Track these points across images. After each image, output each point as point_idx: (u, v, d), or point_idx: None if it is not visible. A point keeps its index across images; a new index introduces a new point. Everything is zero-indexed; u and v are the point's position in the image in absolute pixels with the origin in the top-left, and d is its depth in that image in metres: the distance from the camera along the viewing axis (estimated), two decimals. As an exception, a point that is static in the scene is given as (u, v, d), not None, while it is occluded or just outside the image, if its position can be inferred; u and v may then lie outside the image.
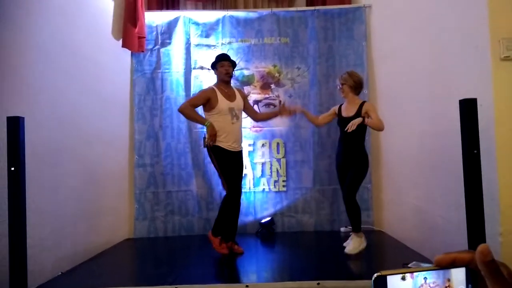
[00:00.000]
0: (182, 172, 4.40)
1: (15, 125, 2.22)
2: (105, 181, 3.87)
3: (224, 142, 3.33)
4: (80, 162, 3.43)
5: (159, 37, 4.49)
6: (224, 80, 3.45)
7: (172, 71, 4.48)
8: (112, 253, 3.70)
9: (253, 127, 4.40)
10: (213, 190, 4.34)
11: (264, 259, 3.58)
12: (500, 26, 2.38)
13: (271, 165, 4.43)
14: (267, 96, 4.50)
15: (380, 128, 3.19)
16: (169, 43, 4.50)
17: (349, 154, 3.28)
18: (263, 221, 4.25)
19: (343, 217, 4.03)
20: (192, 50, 4.48)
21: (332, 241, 3.93)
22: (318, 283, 2.52)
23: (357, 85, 3.30)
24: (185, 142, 4.41)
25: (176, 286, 2.58)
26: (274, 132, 4.45)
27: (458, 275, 0.44)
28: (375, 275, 0.44)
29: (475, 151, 2.20)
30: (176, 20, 4.50)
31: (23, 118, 2.25)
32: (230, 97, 3.43)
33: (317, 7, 4.54)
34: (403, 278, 0.44)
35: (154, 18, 4.50)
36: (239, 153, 3.48)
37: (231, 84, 3.58)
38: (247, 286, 2.57)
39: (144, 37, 4.30)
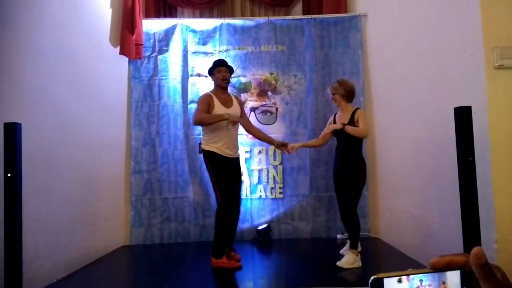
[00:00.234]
0: (179, 178, 4.39)
1: (12, 131, 2.22)
2: (101, 187, 3.86)
3: (219, 148, 3.28)
4: (77, 168, 3.42)
5: (157, 44, 4.52)
6: (221, 86, 3.41)
7: (170, 78, 4.49)
8: (108, 260, 3.68)
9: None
10: (209, 196, 4.33)
11: (261, 266, 3.57)
12: (493, 35, 2.42)
13: (267, 172, 4.43)
14: (263, 103, 4.52)
15: (361, 136, 3.19)
16: (167, 50, 4.52)
17: (346, 162, 3.27)
18: (259, 228, 4.25)
19: (340, 224, 4.02)
20: (189, 57, 4.50)
21: (328, 248, 3.93)
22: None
23: (348, 93, 3.28)
24: (181, 148, 4.41)
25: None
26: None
27: (453, 277, 0.45)
28: (372, 277, 0.45)
29: (470, 158, 2.23)
30: (173, 28, 4.53)
31: (20, 124, 2.25)
32: (227, 103, 3.39)
33: (313, 16, 4.59)
34: (400, 281, 0.45)
35: (152, 26, 4.53)
36: (236, 160, 3.44)
37: (228, 91, 3.58)
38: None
39: (142, 44, 4.32)
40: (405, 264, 2.84)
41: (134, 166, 4.38)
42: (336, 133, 3.32)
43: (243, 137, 4.31)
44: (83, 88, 3.56)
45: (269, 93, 4.54)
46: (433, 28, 3.07)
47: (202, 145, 3.36)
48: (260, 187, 4.42)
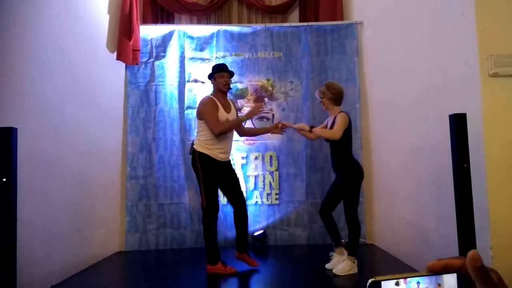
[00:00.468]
0: (175, 184, 4.38)
1: (8, 136, 2.21)
2: (97, 193, 3.84)
3: (212, 151, 3.23)
4: (72, 173, 3.41)
5: (154, 50, 4.53)
6: (222, 90, 3.36)
7: (166, 83, 4.50)
8: (103, 266, 3.65)
9: (246, 140, 4.41)
10: (205, 203, 4.31)
11: (256, 272, 3.55)
12: (488, 43, 2.44)
13: (264, 178, 4.43)
14: (260, 109, 4.52)
15: (329, 138, 3.18)
16: (164, 56, 4.53)
17: (336, 165, 3.26)
18: (255, 234, 4.23)
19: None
20: (186, 63, 4.51)
21: (324, 255, 3.89)
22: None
23: (336, 97, 3.25)
24: (178, 154, 4.41)
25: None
26: (267, 145, 4.47)
27: (450, 280, 0.46)
28: (370, 280, 0.45)
29: (465, 165, 2.24)
30: (170, 34, 4.54)
31: (16, 128, 2.25)
32: (227, 108, 3.36)
33: (310, 23, 4.62)
34: (397, 284, 0.45)
35: (149, 32, 4.54)
36: (227, 163, 3.40)
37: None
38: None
39: (139, 50, 4.33)
40: (400, 270, 2.82)
41: (130, 171, 4.37)
42: None
43: (239, 143, 4.32)
44: (79, 93, 3.55)
45: (266, 99, 4.55)
46: (428, 36, 3.10)
47: (195, 146, 3.28)
48: (256, 193, 4.41)
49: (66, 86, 3.33)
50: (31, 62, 2.90)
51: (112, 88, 4.29)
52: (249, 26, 4.68)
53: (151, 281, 3.11)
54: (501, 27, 2.46)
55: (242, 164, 4.41)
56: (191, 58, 4.54)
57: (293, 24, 4.73)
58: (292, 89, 4.56)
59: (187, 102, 4.46)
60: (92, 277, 3.28)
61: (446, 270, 0.46)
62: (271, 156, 4.44)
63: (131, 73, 4.48)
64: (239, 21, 4.96)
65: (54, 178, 3.12)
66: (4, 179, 2.18)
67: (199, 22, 4.97)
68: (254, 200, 4.40)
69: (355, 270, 3.08)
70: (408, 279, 0.45)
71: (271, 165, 4.45)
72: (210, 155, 3.23)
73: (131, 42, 4.17)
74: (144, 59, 4.48)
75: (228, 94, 3.46)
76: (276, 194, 4.42)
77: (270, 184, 4.43)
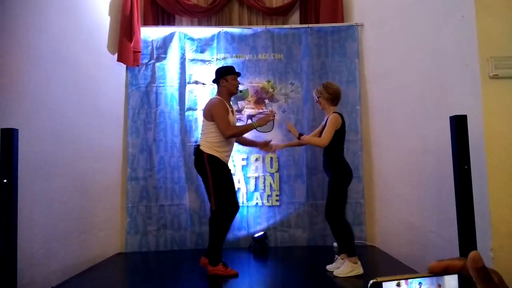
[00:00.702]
0: (175, 186, 4.38)
1: (9, 137, 2.22)
2: (97, 194, 3.84)
3: (221, 154, 3.22)
4: (73, 175, 3.41)
5: (155, 51, 4.53)
6: (233, 93, 3.37)
7: (167, 85, 4.51)
8: (103, 267, 3.65)
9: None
10: (206, 204, 4.30)
11: (257, 273, 3.56)
12: (488, 45, 2.45)
13: (264, 179, 4.43)
14: (260, 111, 4.53)
15: (317, 145, 3.19)
16: (164, 58, 4.54)
17: (326, 165, 3.24)
18: (256, 235, 4.23)
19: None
20: (187, 65, 4.52)
21: (325, 256, 3.91)
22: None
23: (333, 97, 3.23)
24: (178, 156, 4.41)
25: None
26: (267, 147, 4.46)
27: (451, 281, 0.46)
28: (371, 281, 0.45)
29: (466, 167, 2.24)
30: (171, 36, 4.55)
31: (17, 130, 2.25)
32: (232, 111, 3.37)
33: (310, 25, 4.63)
34: (398, 285, 0.45)
35: (150, 33, 4.55)
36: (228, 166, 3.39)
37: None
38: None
39: (140, 52, 4.33)
40: (401, 272, 2.82)
41: (131, 173, 4.37)
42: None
43: (239, 145, 4.32)
44: (80, 95, 3.56)
45: (266, 101, 4.56)
46: (429, 38, 3.10)
47: (202, 147, 3.22)
48: (257, 194, 4.41)
49: (67, 88, 3.34)
50: (31, 64, 2.90)
51: (112, 90, 4.30)
52: (250, 28, 4.69)
53: (152, 283, 3.11)
54: (501, 29, 2.47)
55: (243, 166, 4.41)
56: (192, 60, 4.55)
57: (293, 26, 4.74)
58: (293, 91, 4.56)
59: (187, 103, 4.47)
60: (93, 278, 3.28)
61: (447, 271, 0.46)
62: (271, 158, 4.44)
63: (131, 75, 4.49)
64: (240, 23, 4.96)
65: (55, 179, 3.12)
66: (5, 180, 2.18)
67: (199, 23, 4.98)
68: (255, 201, 4.40)
69: (359, 271, 3.05)
70: (409, 280, 0.46)
71: (271, 167, 4.45)
72: (219, 157, 3.21)
73: (132, 44, 4.18)
74: (145, 61, 4.49)
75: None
76: (276, 195, 4.42)
77: (271, 185, 4.43)
